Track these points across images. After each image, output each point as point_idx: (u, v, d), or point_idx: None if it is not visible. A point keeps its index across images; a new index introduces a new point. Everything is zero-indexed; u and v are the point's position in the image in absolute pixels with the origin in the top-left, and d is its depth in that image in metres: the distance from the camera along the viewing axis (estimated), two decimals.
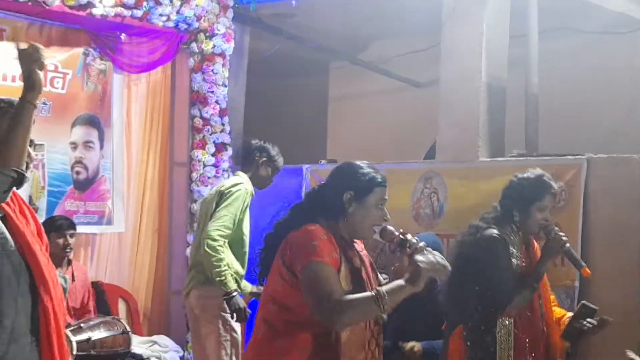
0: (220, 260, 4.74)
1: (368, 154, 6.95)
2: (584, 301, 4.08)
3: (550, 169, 5.30)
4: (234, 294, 4.75)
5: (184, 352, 6.21)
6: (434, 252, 2.93)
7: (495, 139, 5.89)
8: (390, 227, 3.03)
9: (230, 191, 4.90)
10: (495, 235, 3.95)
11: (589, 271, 3.94)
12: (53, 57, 5.81)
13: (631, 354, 3.69)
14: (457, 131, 5.88)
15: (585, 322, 3.93)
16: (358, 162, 3.09)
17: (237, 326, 4.98)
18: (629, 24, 6.93)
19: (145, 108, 6.60)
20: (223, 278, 4.73)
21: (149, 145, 6.60)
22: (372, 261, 3.19)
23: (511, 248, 3.96)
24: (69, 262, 5.48)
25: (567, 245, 3.94)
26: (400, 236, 2.97)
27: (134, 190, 6.57)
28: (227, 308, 4.83)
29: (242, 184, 4.98)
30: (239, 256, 4.95)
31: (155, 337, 6.17)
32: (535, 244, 4.18)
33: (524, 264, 3.99)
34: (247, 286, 5.09)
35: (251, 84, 7.49)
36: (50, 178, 5.90)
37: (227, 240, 4.83)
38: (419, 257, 2.86)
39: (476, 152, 5.76)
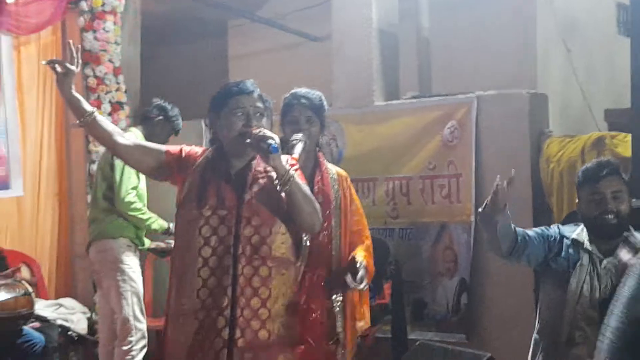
0: (143, 213, 5.01)
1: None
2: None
3: (443, 108, 5.47)
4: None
5: (92, 313, 6.16)
6: None
7: (390, 83, 5.98)
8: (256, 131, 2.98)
9: None
10: None
11: None
12: None
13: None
14: (352, 78, 5.94)
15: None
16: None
17: (138, 276, 5.02)
18: None
19: (36, 70, 6.48)
20: (154, 224, 5.04)
21: (43, 108, 6.50)
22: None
23: None
24: None
25: None
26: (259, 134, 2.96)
27: (30, 153, 6.47)
28: (124, 259, 4.88)
29: None
30: None
31: (61, 300, 6.12)
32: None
33: None
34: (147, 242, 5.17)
35: (150, 48, 7.38)
36: None
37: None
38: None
39: (371, 97, 5.84)
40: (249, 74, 9.32)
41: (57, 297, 6.24)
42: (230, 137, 3.01)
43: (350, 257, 3.49)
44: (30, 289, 5.29)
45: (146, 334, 5.06)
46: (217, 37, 9.41)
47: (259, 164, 3.04)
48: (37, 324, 5.49)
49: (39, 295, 5.90)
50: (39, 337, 5.29)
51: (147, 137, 5.01)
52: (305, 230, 3.16)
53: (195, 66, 9.47)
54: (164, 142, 5.15)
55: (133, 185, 4.96)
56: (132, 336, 4.94)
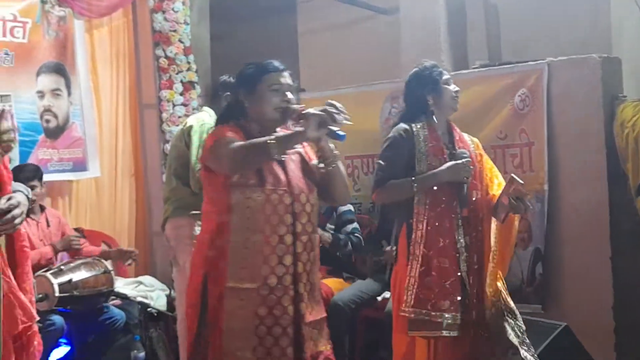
0: None
1: (339, 82, 7.02)
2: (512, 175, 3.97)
3: (513, 76, 5.38)
4: None
5: (170, 290, 6.28)
6: None
7: (458, 52, 5.94)
8: (294, 106, 3.11)
9: (189, 132, 5.01)
10: (401, 126, 4.03)
11: None
12: (10, 6, 5.78)
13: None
14: (420, 48, 5.90)
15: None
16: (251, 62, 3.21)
17: None
18: None
19: (109, 52, 6.61)
20: None
21: (117, 89, 6.63)
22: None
23: (419, 135, 3.98)
24: (42, 209, 5.53)
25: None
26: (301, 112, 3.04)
27: (106, 135, 6.61)
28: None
29: (199, 121, 5.06)
30: None
31: (140, 278, 6.25)
32: (458, 131, 4.17)
33: (431, 145, 3.98)
34: None
35: (219, 27, 7.45)
36: (20, 128, 5.91)
37: None
38: (310, 110, 2.98)
39: (440, 67, 5.77)
40: (318, 49, 9.47)
41: (136, 275, 6.37)
42: (267, 111, 3.11)
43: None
44: (109, 267, 5.42)
45: None
46: (287, 13, 9.41)
47: None
48: (117, 302, 5.62)
49: (119, 274, 6.05)
50: (119, 314, 5.42)
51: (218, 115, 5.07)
52: (337, 203, 3.41)
53: (265, 43, 9.50)
54: None
55: None
56: None
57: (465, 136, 4.18)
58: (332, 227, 5.65)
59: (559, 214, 5.17)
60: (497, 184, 4.10)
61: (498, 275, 4.03)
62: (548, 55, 5.36)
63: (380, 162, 4.05)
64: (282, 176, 3.09)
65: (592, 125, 5.11)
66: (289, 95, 3.12)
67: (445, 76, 4.11)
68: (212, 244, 3.11)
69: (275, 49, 9.36)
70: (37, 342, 2.82)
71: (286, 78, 3.15)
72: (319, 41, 9.13)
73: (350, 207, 5.76)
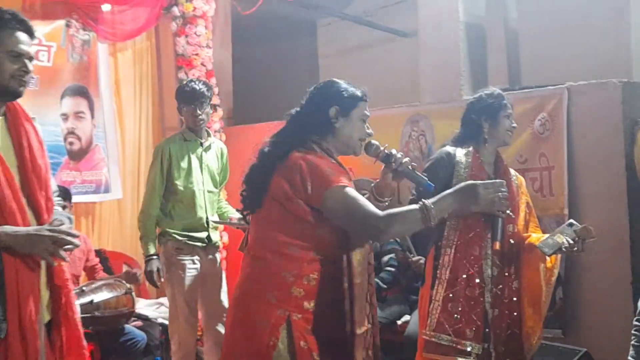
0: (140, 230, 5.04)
1: None
2: (572, 220, 4.10)
3: (533, 100, 5.38)
4: (148, 258, 4.95)
5: None
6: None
7: (478, 76, 5.95)
8: (375, 142, 3.11)
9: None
10: (444, 150, 4.06)
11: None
12: (35, 30, 5.85)
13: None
14: (439, 72, 5.93)
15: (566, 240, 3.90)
16: (338, 80, 3.10)
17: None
18: None
19: (132, 75, 6.70)
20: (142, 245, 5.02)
21: (140, 112, 6.71)
22: None
23: (461, 160, 4.00)
24: None
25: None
26: (385, 151, 3.08)
27: (129, 156, 6.68)
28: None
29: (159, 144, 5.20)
30: (190, 207, 5.05)
31: (161, 299, 6.27)
32: (505, 164, 4.18)
33: (472, 173, 3.97)
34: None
35: (240, 49, 7.53)
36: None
37: (154, 206, 5.00)
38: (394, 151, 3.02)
39: (459, 91, 5.81)
40: (338, 72, 9.51)
41: (157, 297, 6.41)
42: (354, 139, 3.06)
43: None
44: (130, 288, 5.45)
45: None
46: (307, 36, 9.51)
47: None
48: (139, 323, 5.66)
49: (140, 295, 6.08)
50: (141, 335, 5.45)
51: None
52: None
53: (285, 66, 9.59)
54: None
55: (147, 195, 5.10)
56: None
57: (511, 171, 4.19)
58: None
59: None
60: (533, 227, 4.16)
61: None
62: (568, 79, 5.36)
63: None
64: None
65: (612, 150, 5.10)
66: (370, 129, 3.12)
67: (508, 110, 4.08)
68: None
69: (296, 72, 9.45)
70: None
71: (367, 110, 3.14)
72: (338, 64, 9.20)
73: None
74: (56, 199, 3.02)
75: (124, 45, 6.60)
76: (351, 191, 2.82)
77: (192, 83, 5.06)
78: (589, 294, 5.16)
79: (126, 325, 5.41)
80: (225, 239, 6.55)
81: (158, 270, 4.92)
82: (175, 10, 6.59)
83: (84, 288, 5.17)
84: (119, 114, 6.61)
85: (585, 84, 5.25)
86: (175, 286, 4.99)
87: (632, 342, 4.03)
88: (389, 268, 5.55)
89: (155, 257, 4.93)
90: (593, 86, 5.22)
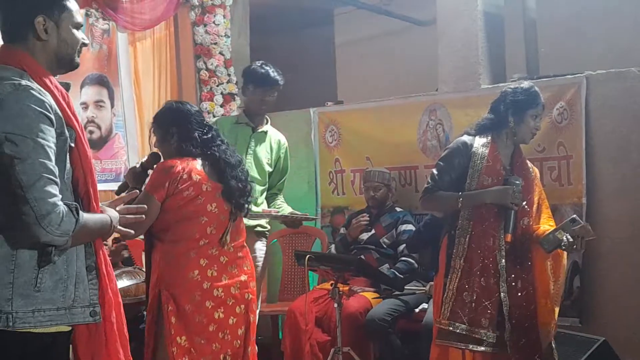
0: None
1: (376, 94, 7.07)
2: (575, 215, 4.15)
3: (551, 89, 5.37)
4: None
5: None
6: None
7: (496, 65, 5.93)
8: None
9: None
10: (461, 139, 4.11)
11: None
12: None
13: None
14: (457, 61, 5.91)
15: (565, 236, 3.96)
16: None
17: (261, 259, 5.13)
18: None
19: (151, 64, 6.73)
20: None
21: (158, 101, 6.73)
22: None
23: (477, 151, 4.04)
24: None
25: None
26: None
27: (148, 146, 6.70)
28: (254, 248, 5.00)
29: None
30: None
31: None
32: (523, 157, 4.22)
33: (487, 164, 4.03)
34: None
35: (258, 39, 7.54)
36: None
37: None
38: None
39: (477, 80, 5.80)
40: (355, 60, 9.50)
41: None
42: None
43: None
44: None
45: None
46: (324, 25, 9.51)
47: None
48: None
49: None
50: None
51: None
52: None
53: (303, 54, 9.60)
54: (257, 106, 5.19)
55: None
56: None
57: (529, 164, 4.21)
58: (388, 242, 5.66)
59: (597, 227, 5.14)
60: (545, 217, 4.18)
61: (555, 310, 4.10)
62: (586, 68, 5.36)
63: (434, 171, 4.11)
64: None
65: (630, 139, 5.10)
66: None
67: (538, 110, 4.11)
68: None
69: (313, 61, 9.47)
70: None
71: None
72: (355, 53, 9.22)
73: (411, 227, 5.69)
74: None
75: (142, 34, 6.63)
76: None
77: (267, 67, 5.07)
78: (607, 283, 5.18)
79: (145, 312, 5.45)
80: None
81: None
82: None
83: None
84: (138, 103, 6.64)
85: (604, 73, 5.24)
86: None
87: None
88: (405, 258, 5.57)
89: None
90: (612, 75, 5.21)
